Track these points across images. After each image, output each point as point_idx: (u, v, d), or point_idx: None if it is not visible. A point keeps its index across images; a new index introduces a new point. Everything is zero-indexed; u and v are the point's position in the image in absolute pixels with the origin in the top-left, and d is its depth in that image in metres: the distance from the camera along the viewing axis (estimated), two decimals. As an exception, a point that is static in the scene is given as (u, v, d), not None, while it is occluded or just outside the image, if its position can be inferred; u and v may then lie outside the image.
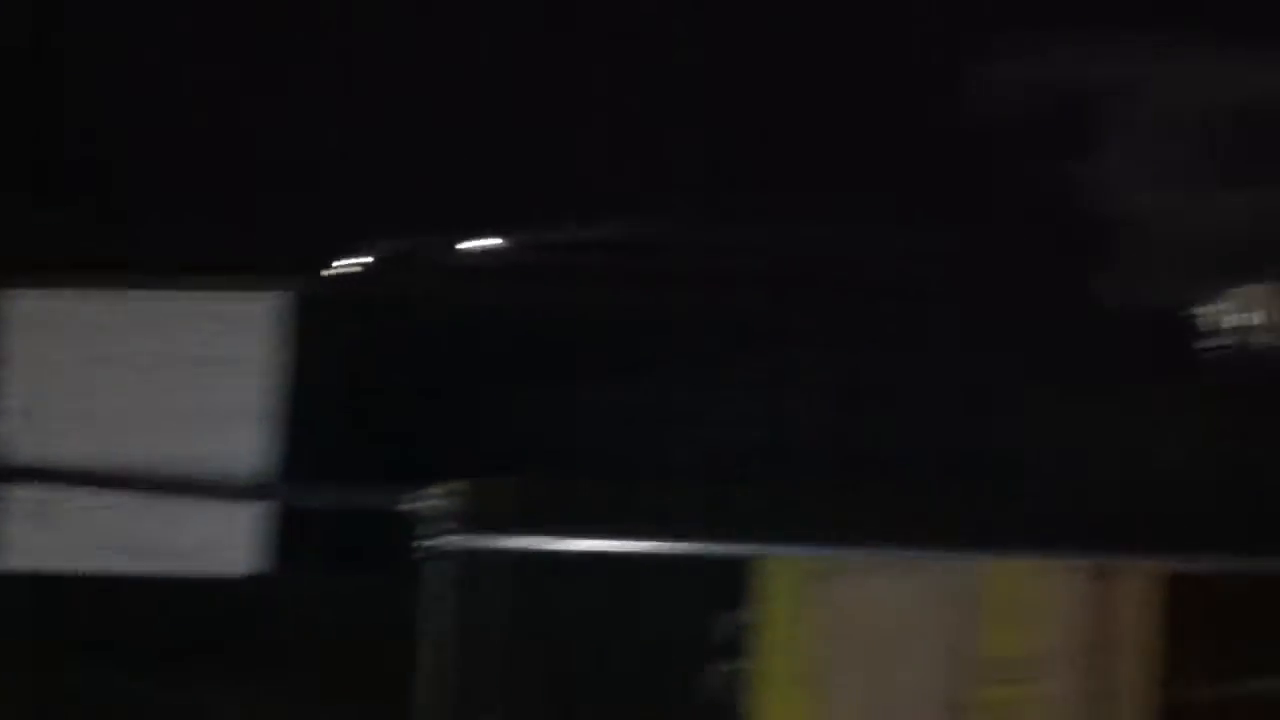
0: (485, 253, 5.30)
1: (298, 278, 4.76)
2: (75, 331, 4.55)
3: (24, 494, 4.42)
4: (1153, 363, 6.61)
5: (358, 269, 4.91)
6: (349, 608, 4.40)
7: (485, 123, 5.53)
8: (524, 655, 3.92)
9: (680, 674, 3.98)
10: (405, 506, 3.96)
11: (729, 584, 3.85)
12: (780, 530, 3.67)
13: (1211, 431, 6.25)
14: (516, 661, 4.05)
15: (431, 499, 3.91)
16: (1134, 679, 3.74)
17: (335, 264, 4.90)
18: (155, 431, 4.46)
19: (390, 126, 5.45)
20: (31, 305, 4.57)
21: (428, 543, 3.91)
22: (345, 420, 4.42)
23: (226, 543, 4.40)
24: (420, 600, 3.98)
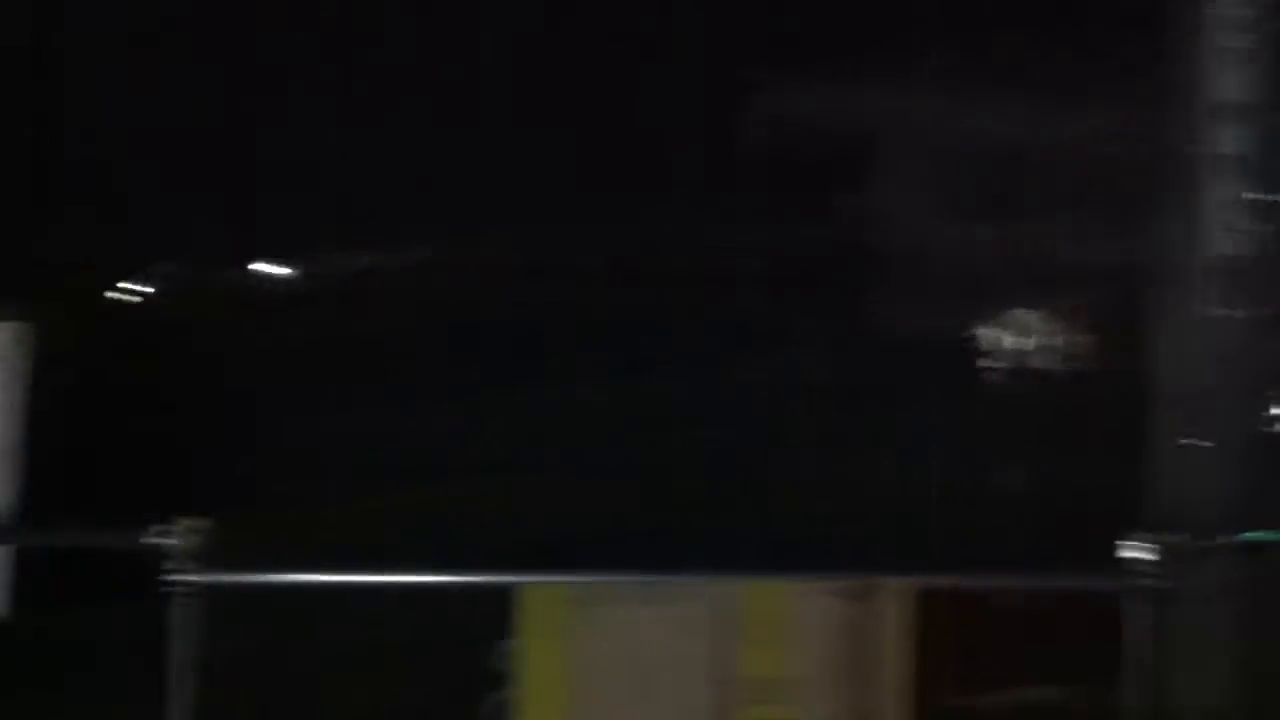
0: (233, 286, 5.13)
1: (39, 307, 4.51)
2: None
3: None
4: (916, 385, 6.84)
5: (97, 300, 4.70)
6: (93, 646, 4.18)
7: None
8: (275, 688, 3.77)
9: (454, 704, 3.90)
10: (149, 542, 3.77)
11: (504, 613, 3.79)
12: (538, 557, 3.61)
13: (967, 451, 6.50)
14: (273, 696, 3.90)
15: (176, 533, 3.72)
16: (893, 697, 3.80)
17: (76, 293, 4.68)
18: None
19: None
20: None
21: (173, 578, 3.72)
22: (83, 456, 4.20)
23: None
24: (167, 636, 3.80)
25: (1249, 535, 5.21)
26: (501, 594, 3.79)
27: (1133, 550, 3.93)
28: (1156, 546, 3.94)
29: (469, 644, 3.84)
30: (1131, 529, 4.22)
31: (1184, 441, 5.58)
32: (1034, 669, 5.19)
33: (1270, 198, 5.56)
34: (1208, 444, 5.54)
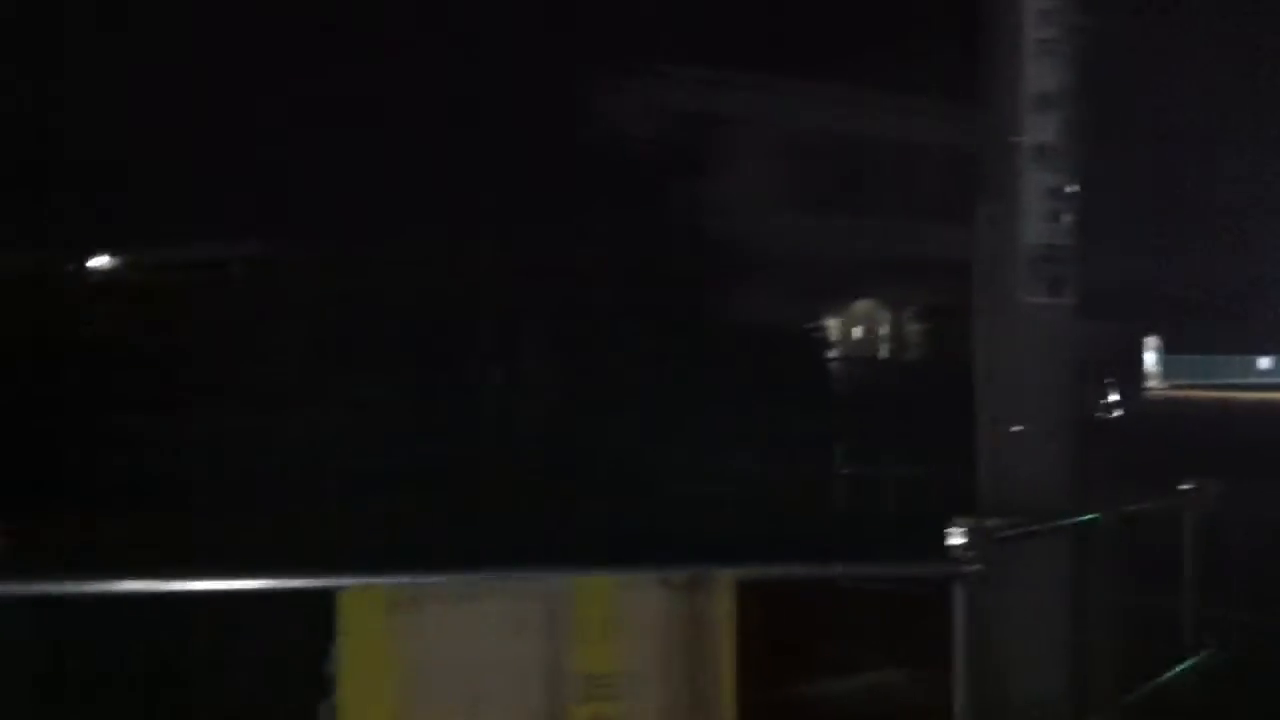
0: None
1: None
2: None
3: None
4: (749, 374, 6.87)
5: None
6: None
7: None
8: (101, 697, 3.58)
9: (285, 707, 3.76)
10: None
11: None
12: (357, 559, 3.49)
13: (795, 441, 6.55)
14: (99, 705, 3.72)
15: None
16: (724, 687, 3.77)
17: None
18: None
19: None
20: None
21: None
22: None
23: None
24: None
25: (1073, 518, 5.35)
26: (327, 598, 3.67)
27: (956, 536, 3.98)
28: (976, 532, 3.98)
29: (301, 649, 3.71)
30: (961, 515, 4.26)
31: (1010, 428, 5.71)
32: (865, 655, 5.26)
33: (1079, 188, 5.72)
34: (1032, 429, 5.68)
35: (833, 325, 22.46)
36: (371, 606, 3.48)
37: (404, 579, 3.52)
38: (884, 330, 25.22)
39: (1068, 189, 5.75)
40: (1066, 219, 5.76)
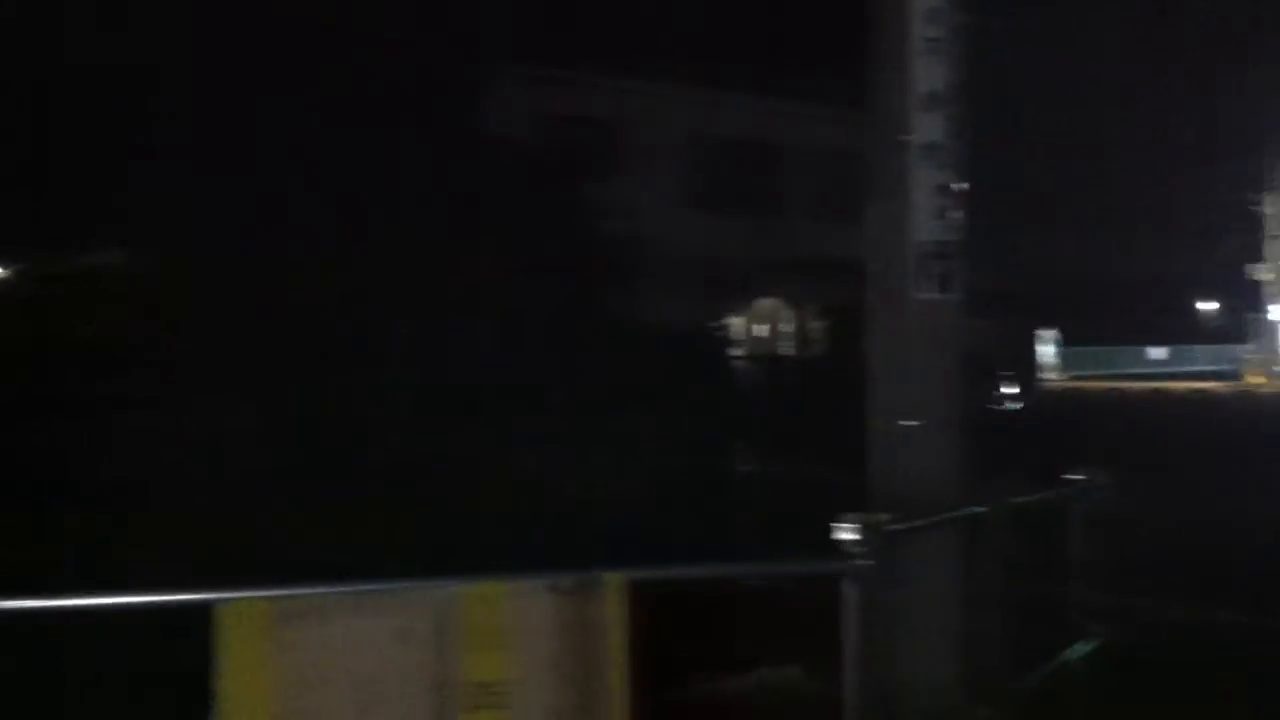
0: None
1: None
2: None
3: None
4: (644, 375, 6.87)
5: None
6: None
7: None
8: None
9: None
10: None
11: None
12: (238, 571, 3.41)
13: (696, 441, 6.56)
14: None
15: None
16: (617, 690, 3.75)
17: None
18: None
19: None
20: None
21: None
22: None
23: None
24: None
25: (962, 510, 5.42)
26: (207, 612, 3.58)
27: (846, 532, 4.00)
28: (865, 527, 4.01)
29: (185, 664, 3.62)
30: (852, 511, 4.29)
31: (901, 422, 5.77)
32: (761, 651, 5.27)
33: (966, 185, 5.80)
34: (922, 423, 5.74)
35: (735, 324, 22.63)
36: (253, 620, 3.40)
37: (285, 591, 3.45)
38: (787, 329, 25.47)
39: (955, 186, 5.83)
40: (954, 216, 5.83)
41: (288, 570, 3.49)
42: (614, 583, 3.73)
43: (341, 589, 3.54)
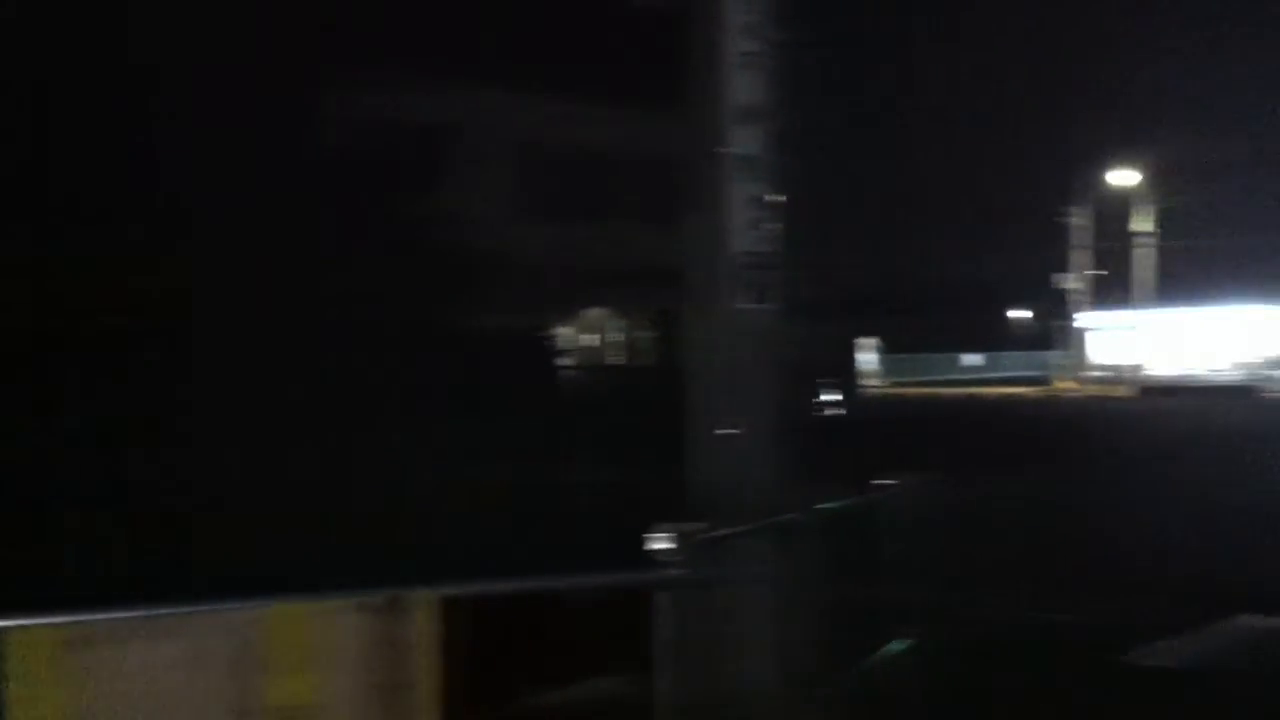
0: None
1: None
2: None
3: None
4: (465, 385, 6.78)
5: None
6: None
7: None
8: None
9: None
10: None
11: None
12: (21, 596, 3.24)
13: (521, 450, 6.50)
14: None
15: None
16: (427, 710, 3.69)
17: None
18: None
19: None
20: None
21: None
22: None
23: None
24: None
25: (777, 517, 5.49)
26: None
27: (660, 542, 4.00)
28: (679, 536, 4.02)
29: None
30: (667, 521, 4.29)
31: (718, 430, 5.82)
32: (579, 665, 5.25)
33: (782, 197, 5.89)
34: (739, 431, 5.80)
35: (563, 333, 22.51)
36: (41, 647, 3.23)
37: (75, 617, 3.28)
38: (615, 337, 25.46)
39: (770, 198, 5.91)
40: (770, 227, 5.92)
41: (79, 594, 3.32)
42: (425, 599, 3.66)
43: (136, 613, 3.39)
